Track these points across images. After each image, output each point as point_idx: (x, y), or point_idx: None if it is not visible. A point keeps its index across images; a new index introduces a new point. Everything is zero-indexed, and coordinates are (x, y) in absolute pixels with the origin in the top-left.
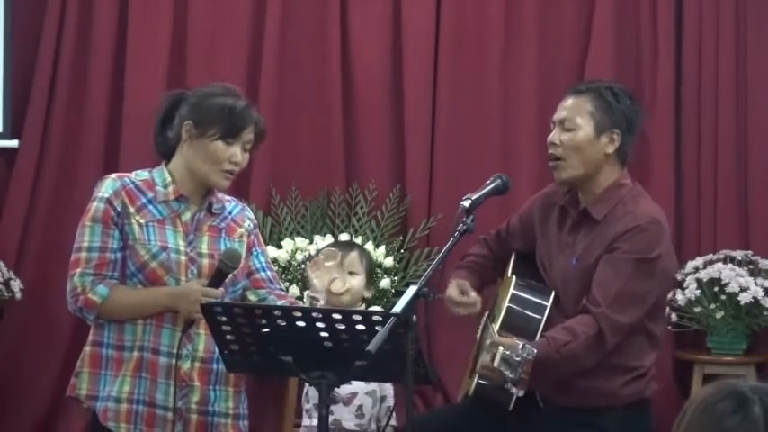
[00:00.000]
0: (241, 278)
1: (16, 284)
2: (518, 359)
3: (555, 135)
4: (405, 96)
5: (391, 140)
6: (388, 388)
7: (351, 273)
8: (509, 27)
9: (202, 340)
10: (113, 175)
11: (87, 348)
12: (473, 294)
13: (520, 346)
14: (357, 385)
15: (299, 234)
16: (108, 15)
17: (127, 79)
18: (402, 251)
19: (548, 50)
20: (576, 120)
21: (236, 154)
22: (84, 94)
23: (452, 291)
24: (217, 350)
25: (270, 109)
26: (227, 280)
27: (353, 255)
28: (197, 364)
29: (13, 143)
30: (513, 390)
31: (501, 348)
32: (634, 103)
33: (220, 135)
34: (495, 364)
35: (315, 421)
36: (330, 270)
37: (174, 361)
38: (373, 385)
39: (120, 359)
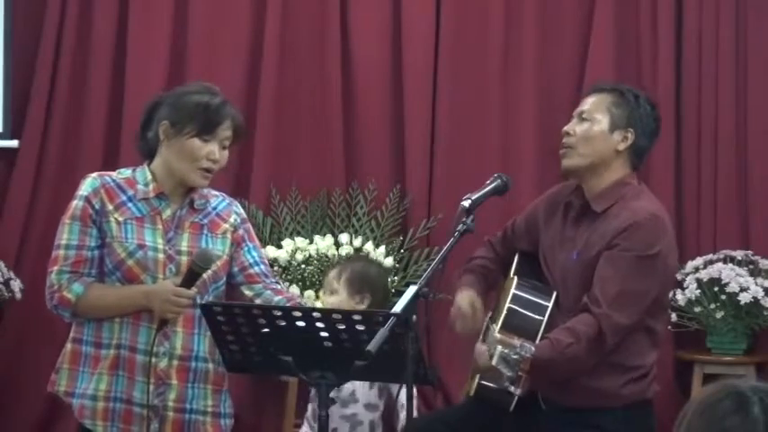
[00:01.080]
0: (223, 274)
1: (16, 284)
2: (515, 357)
3: (570, 125)
4: (405, 96)
5: (391, 140)
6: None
7: (331, 292)
8: (509, 27)
9: (180, 338)
10: (94, 174)
11: (68, 345)
12: (480, 317)
13: (518, 345)
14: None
15: (299, 234)
16: (108, 15)
17: (127, 79)
18: (402, 251)
19: (548, 50)
20: (593, 113)
21: (214, 151)
22: (84, 94)
23: (464, 303)
24: (195, 348)
25: (270, 109)
26: (207, 277)
27: (331, 274)
28: (175, 362)
29: (13, 143)
30: (512, 389)
31: (499, 347)
32: (654, 111)
33: (196, 132)
34: (494, 362)
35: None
36: None
37: (151, 359)
38: (353, 410)
39: (98, 357)
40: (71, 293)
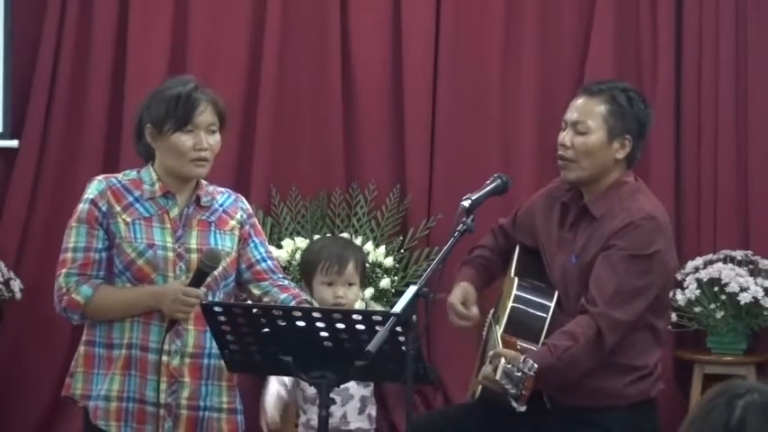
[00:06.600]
0: (232, 270)
1: (16, 284)
2: (519, 374)
3: (566, 137)
4: (405, 96)
5: (391, 140)
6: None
7: (350, 284)
8: (509, 27)
9: (192, 336)
10: (100, 177)
11: (81, 348)
12: (474, 310)
13: (521, 360)
14: None
15: (298, 234)
16: (108, 15)
17: (127, 79)
18: (402, 251)
19: (548, 50)
20: (588, 123)
21: (200, 141)
22: (84, 94)
23: (456, 298)
24: (207, 345)
25: (270, 109)
26: (217, 274)
27: (350, 267)
28: (187, 360)
29: (13, 143)
30: (515, 404)
31: (503, 360)
32: (647, 107)
33: (175, 127)
34: (497, 377)
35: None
36: None
37: (161, 357)
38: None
39: (111, 357)
40: (79, 296)
